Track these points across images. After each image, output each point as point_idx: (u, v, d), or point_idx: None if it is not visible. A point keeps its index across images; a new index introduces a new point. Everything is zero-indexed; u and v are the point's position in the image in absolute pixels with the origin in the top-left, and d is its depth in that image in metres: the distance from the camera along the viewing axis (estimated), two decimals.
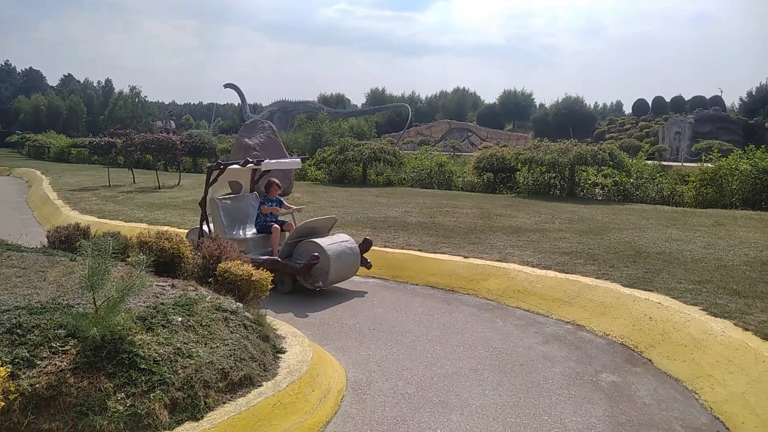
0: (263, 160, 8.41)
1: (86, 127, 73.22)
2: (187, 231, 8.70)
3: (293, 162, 9.63)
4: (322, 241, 7.43)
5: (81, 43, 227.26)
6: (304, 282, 7.29)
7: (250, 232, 8.36)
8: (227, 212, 8.35)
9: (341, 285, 7.85)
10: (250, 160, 8.12)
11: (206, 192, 8.08)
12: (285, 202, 8.57)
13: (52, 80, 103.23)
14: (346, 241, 7.79)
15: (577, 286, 6.94)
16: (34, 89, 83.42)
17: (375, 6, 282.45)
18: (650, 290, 6.49)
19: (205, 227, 8.02)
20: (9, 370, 3.29)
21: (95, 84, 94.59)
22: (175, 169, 22.88)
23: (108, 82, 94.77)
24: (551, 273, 7.40)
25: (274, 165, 8.81)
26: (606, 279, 7.04)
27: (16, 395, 3.22)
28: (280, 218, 8.35)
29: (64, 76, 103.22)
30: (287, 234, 7.99)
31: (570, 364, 5.33)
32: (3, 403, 3.12)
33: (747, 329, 5.14)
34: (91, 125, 72.86)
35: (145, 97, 65.99)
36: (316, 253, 7.23)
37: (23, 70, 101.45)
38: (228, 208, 8.43)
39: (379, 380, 4.92)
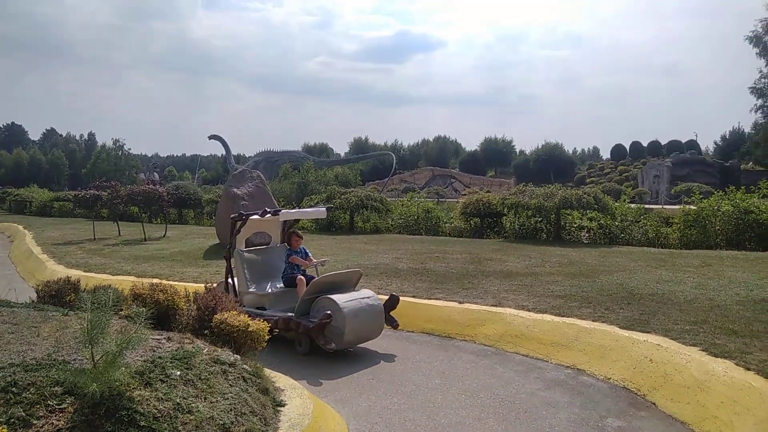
0: (280, 210, 7.90)
1: (68, 181, 72.90)
2: (215, 284, 8.43)
3: (317, 211, 8.56)
4: (339, 298, 6.82)
5: (64, 96, 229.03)
6: (318, 342, 6.71)
7: (277, 286, 7.88)
8: (251, 265, 7.89)
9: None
10: (268, 210, 7.66)
11: (231, 244, 7.71)
12: (310, 255, 8.08)
13: (34, 134, 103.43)
14: (368, 297, 7.14)
15: (575, 329, 6.92)
16: (16, 144, 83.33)
17: (355, 59, 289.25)
18: (648, 332, 6.48)
19: (230, 280, 7.67)
20: (5, 430, 3.16)
21: (78, 137, 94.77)
22: (160, 221, 22.74)
23: (91, 135, 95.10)
24: (547, 317, 7.38)
25: (295, 215, 8.23)
26: (603, 321, 7.03)
27: None
28: (307, 272, 7.86)
29: (47, 130, 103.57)
30: None
31: (574, 410, 5.25)
32: None
33: (749, 369, 5.13)
34: (73, 179, 72.66)
35: (129, 149, 66.25)
36: (329, 312, 6.64)
37: (5, 125, 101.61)
38: (252, 261, 7.94)
39: None
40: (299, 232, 8.00)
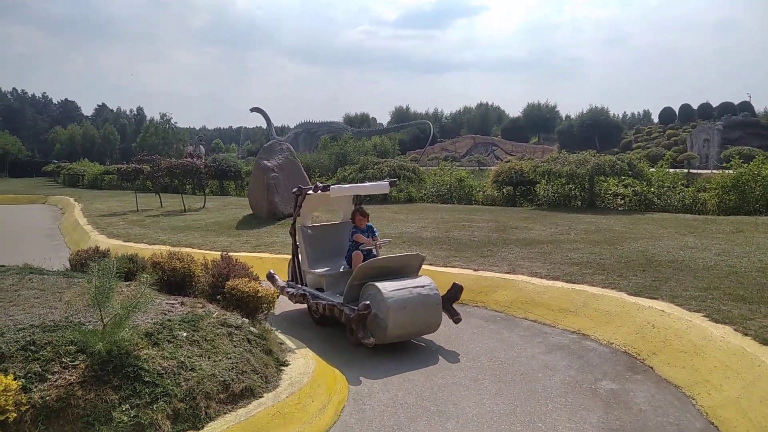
0: (329, 186, 6.90)
1: (120, 154, 75.44)
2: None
3: (377, 186, 7.45)
4: (385, 286, 5.89)
5: (112, 72, 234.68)
6: (357, 335, 5.81)
7: (340, 266, 7.22)
8: (312, 242, 7.36)
9: None
10: (319, 185, 6.94)
11: (294, 219, 7.42)
12: (376, 234, 7.10)
13: (87, 110, 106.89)
14: (423, 286, 6.09)
15: (583, 295, 6.99)
16: (70, 120, 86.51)
17: (398, 26, 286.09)
18: (655, 298, 6.50)
19: (296, 258, 7.37)
20: (21, 383, 3.54)
21: (128, 112, 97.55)
22: (202, 193, 23.45)
23: (140, 110, 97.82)
24: (558, 283, 7.46)
25: (349, 190, 7.31)
26: (613, 288, 7.06)
27: (27, 407, 3.47)
28: (373, 251, 6.90)
29: (98, 105, 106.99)
30: None
31: (571, 373, 5.39)
32: (15, 414, 3.37)
33: (746, 334, 5.14)
34: (125, 152, 75.12)
35: (176, 123, 67.93)
36: (368, 302, 5.80)
37: (59, 101, 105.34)
38: (313, 238, 7.39)
39: (379, 391, 5.06)
40: (364, 209, 7.20)
